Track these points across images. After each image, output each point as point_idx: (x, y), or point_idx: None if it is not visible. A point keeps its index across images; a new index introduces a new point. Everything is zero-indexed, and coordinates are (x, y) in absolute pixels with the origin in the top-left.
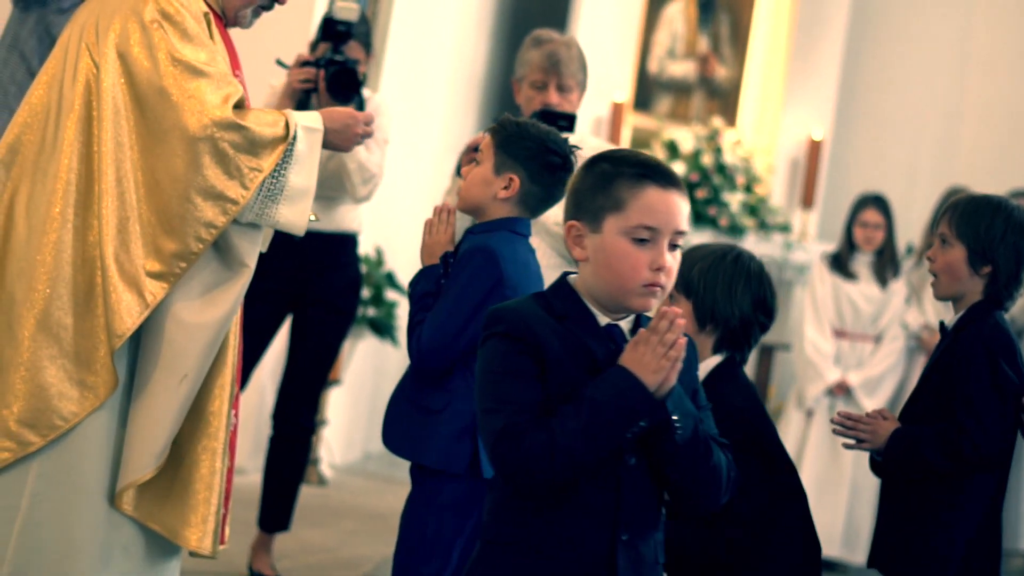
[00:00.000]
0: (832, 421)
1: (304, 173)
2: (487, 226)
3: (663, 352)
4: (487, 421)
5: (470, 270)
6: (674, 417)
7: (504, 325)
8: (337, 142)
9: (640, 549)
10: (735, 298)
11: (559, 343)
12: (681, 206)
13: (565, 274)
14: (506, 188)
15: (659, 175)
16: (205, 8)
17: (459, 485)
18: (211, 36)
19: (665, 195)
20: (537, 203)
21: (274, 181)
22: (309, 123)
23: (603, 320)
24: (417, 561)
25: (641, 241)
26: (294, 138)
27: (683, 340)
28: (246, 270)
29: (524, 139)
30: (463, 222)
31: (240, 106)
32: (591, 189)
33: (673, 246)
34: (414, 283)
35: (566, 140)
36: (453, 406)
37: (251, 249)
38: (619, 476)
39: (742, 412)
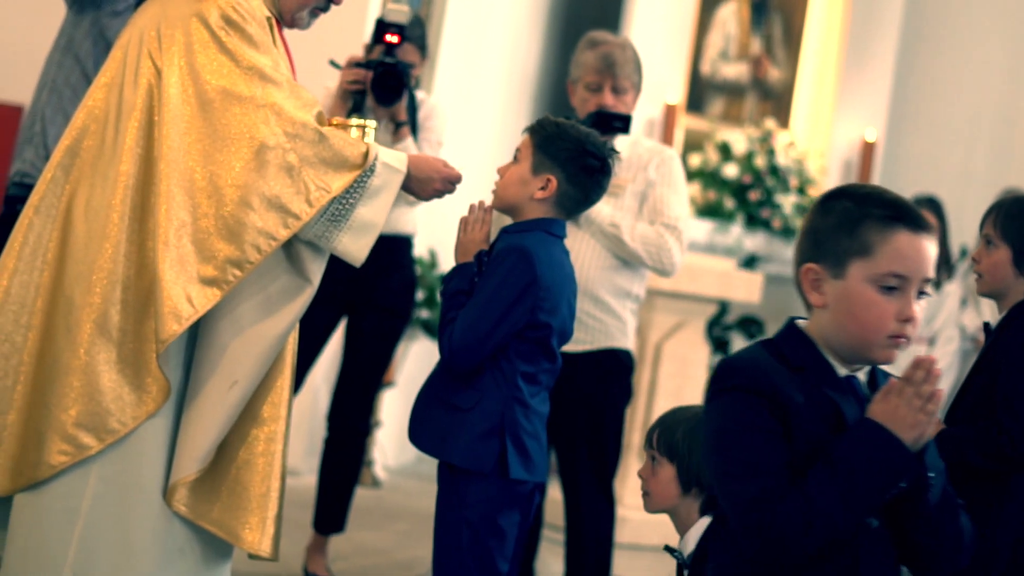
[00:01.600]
0: None
1: (374, 208)
2: (522, 226)
3: (920, 405)
4: (734, 487)
5: (504, 270)
6: (930, 474)
7: (741, 378)
8: (416, 189)
9: None
10: None
11: (801, 397)
12: (932, 252)
13: (793, 319)
14: (543, 189)
15: (910, 218)
16: (268, 13)
17: (486, 484)
18: (274, 41)
19: (916, 240)
20: (573, 205)
21: (341, 207)
22: (393, 162)
23: (841, 371)
24: (459, 568)
25: (888, 289)
26: (370, 170)
27: (942, 391)
28: (309, 287)
29: (563, 140)
30: (498, 221)
31: (320, 119)
32: (834, 230)
33: (920, 293)
34: (447, 280)
35: (605, 143)
36: (482, 405)
37: (316, 268)
38: (859, 542)
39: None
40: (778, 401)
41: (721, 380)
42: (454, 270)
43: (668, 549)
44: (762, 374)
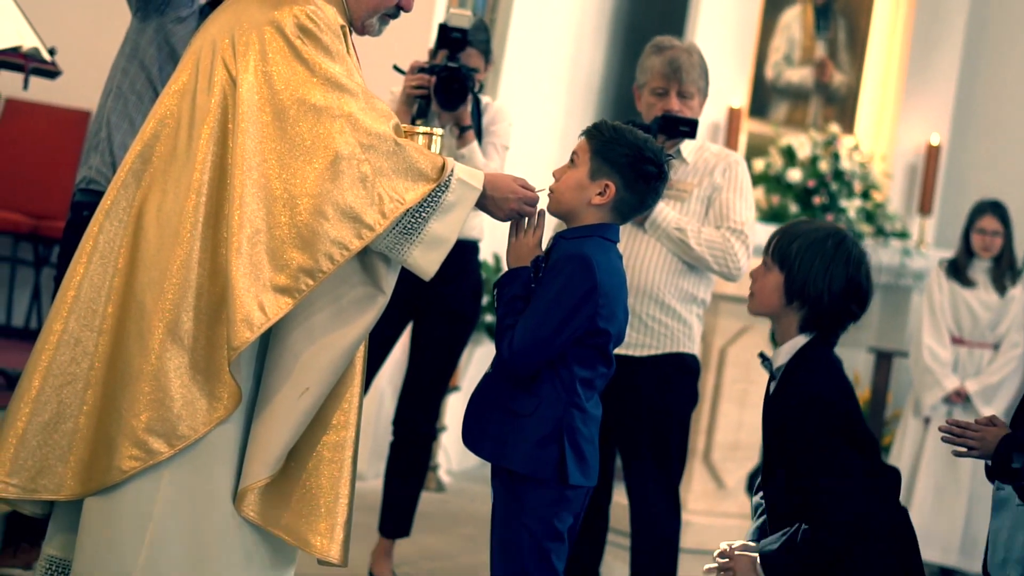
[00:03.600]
0: (940, 429)
1: (447, 224)
2: (579, 232)
3: None
4: None
5: (565, 276)
6: None
7: None
8: (491, 208)
9: None
10: (831, 279)
11: None
12: None
13: None
14: (600, 194)
15: None
16: (342, 21)
17: (545, 491)
18: (348, 50)
19: None
20: (629, 210)
21: (413, 220)
22: (469, 179)
23: None
24: (521, 573)
25: None
26: (445, 185)
27: None
28: (382, 297)
29: (621, 146)
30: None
31: (396, 130)
32: None
33: None
34: (501, 285)
35: (662, 148)
36: (541, 410)
37: (390, 278)
38: None
39: (828, 400)
40: None
41: None
42: (508, 275)
43: (762, 356)
44: None
